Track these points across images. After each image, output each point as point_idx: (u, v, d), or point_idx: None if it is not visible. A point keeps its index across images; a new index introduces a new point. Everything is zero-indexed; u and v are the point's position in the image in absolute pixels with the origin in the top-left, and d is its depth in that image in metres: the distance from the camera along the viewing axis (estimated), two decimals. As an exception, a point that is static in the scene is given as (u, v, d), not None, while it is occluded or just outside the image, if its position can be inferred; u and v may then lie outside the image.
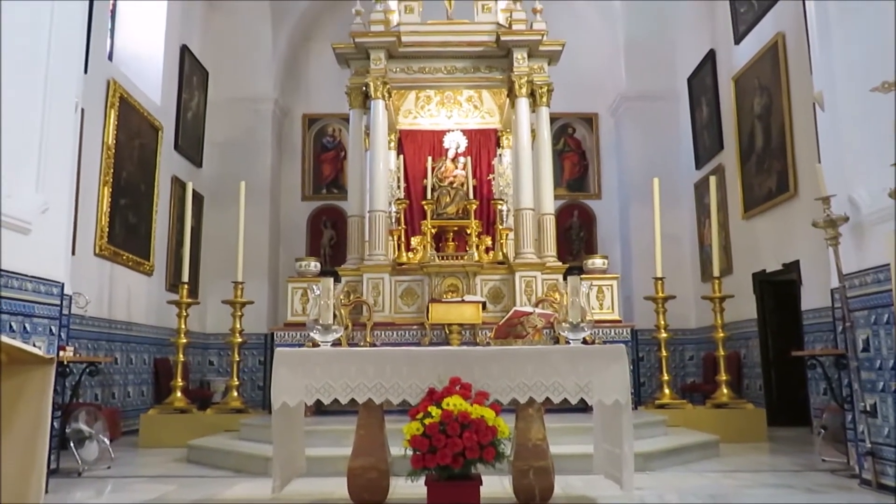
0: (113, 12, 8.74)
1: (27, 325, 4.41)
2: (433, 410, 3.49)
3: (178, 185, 9.43)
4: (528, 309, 4.99)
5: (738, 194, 8.87)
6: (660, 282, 7.45)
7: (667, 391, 7.30)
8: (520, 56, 8.24)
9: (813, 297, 7.18)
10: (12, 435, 3.15)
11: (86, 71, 6.48)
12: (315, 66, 11.58)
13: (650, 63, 10.96)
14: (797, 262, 7.58)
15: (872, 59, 4.53)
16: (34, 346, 4.24)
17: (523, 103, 8.28)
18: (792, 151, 7.59)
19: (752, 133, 8.58)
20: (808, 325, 7.34)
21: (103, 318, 7.70)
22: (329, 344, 4.04)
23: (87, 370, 5.69)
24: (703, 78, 10.06)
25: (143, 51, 9.06)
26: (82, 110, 6.04)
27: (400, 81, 8.54)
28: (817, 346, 6.86)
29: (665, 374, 7.41)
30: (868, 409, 4.52)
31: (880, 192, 4.29)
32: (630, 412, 3.80)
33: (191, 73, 10.05)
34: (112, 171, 7.79)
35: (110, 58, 8.35)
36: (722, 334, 7.16)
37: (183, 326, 7.14)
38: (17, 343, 3.15)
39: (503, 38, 8.22)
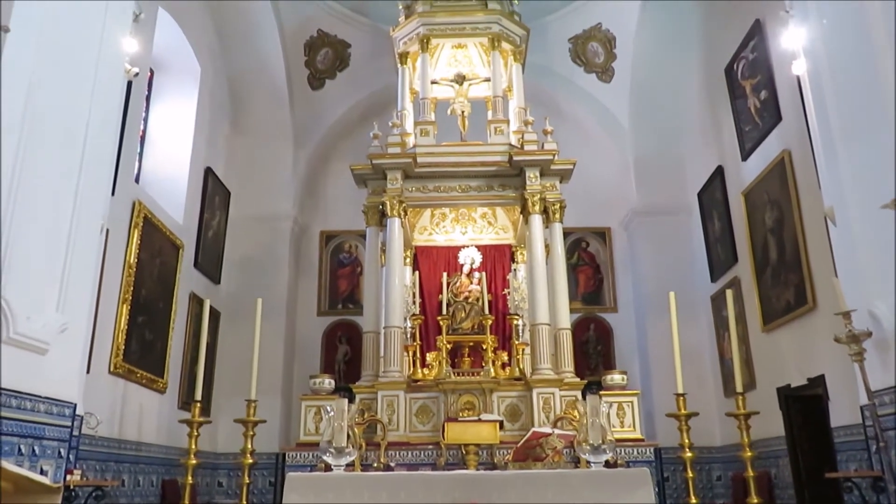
0: (143, 137, 9.18)
1: (36, 448, 4.32)
2: (450, 540, 3.33)
3: (196, 301, 9.52)
4: (547, 429, 4.86)
5: (756, 307, 8.78)
6: (681, 398, 7.25)
7: (696, 515, 6.92)
8: (532, 175, 8.48)
9: (842, 413, 6.92)
10: (11, 568, 3.02)
11: (113, 193, 6.72)
12: (333, 185, 11.94)
13: (660, 179, 11.21)
14: (822, 376, 7.38)
15: (880, 175, 4.60)
16: (41, 469, 4.15)
17: (536, 220, 8.43)
18: (807, 264, 7.57)
19: (765, 246, 8.61)
20: (839, 443, 7.03)
21: (113, 439, 7.55)
22: (342, 467, 3.92)
23: (94, 494, 5.52)
24: (713, 193, 10.23)
25: (169, 173, 9.42)
26: (107, 230, 6.21)
27: (416, 200, 8.76)
28: (851, 466, 6.55)
29: (693, 497, 7.05)
30: (912, 536, 4.26)
31: (901, 306, 4.25)
32: (658, 541, 3.60)
33: (213, 193, 10.39)
34: (132, 288, 7.88)
35: (137, 180, 8.68)
36: (750, 453, 6.85)
37: (193, 447, 6.97)
38: (24, 472, 3.08)
39: (515, 158, 8.48)
